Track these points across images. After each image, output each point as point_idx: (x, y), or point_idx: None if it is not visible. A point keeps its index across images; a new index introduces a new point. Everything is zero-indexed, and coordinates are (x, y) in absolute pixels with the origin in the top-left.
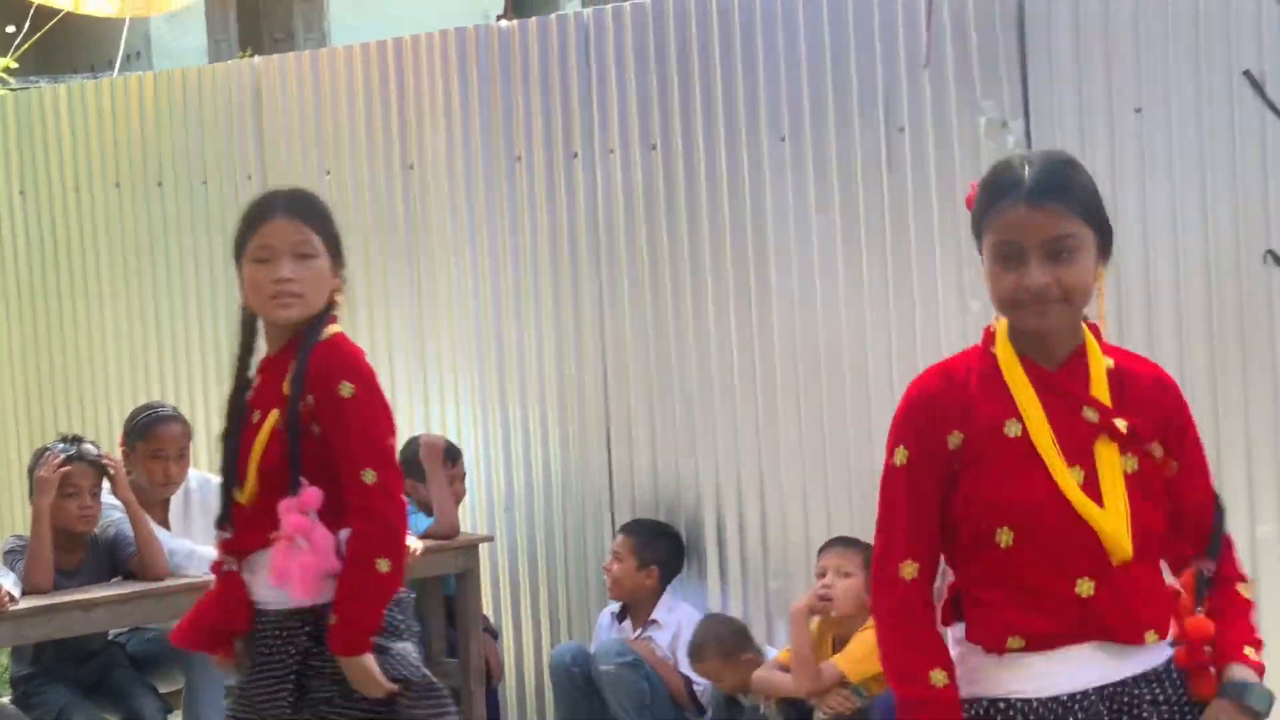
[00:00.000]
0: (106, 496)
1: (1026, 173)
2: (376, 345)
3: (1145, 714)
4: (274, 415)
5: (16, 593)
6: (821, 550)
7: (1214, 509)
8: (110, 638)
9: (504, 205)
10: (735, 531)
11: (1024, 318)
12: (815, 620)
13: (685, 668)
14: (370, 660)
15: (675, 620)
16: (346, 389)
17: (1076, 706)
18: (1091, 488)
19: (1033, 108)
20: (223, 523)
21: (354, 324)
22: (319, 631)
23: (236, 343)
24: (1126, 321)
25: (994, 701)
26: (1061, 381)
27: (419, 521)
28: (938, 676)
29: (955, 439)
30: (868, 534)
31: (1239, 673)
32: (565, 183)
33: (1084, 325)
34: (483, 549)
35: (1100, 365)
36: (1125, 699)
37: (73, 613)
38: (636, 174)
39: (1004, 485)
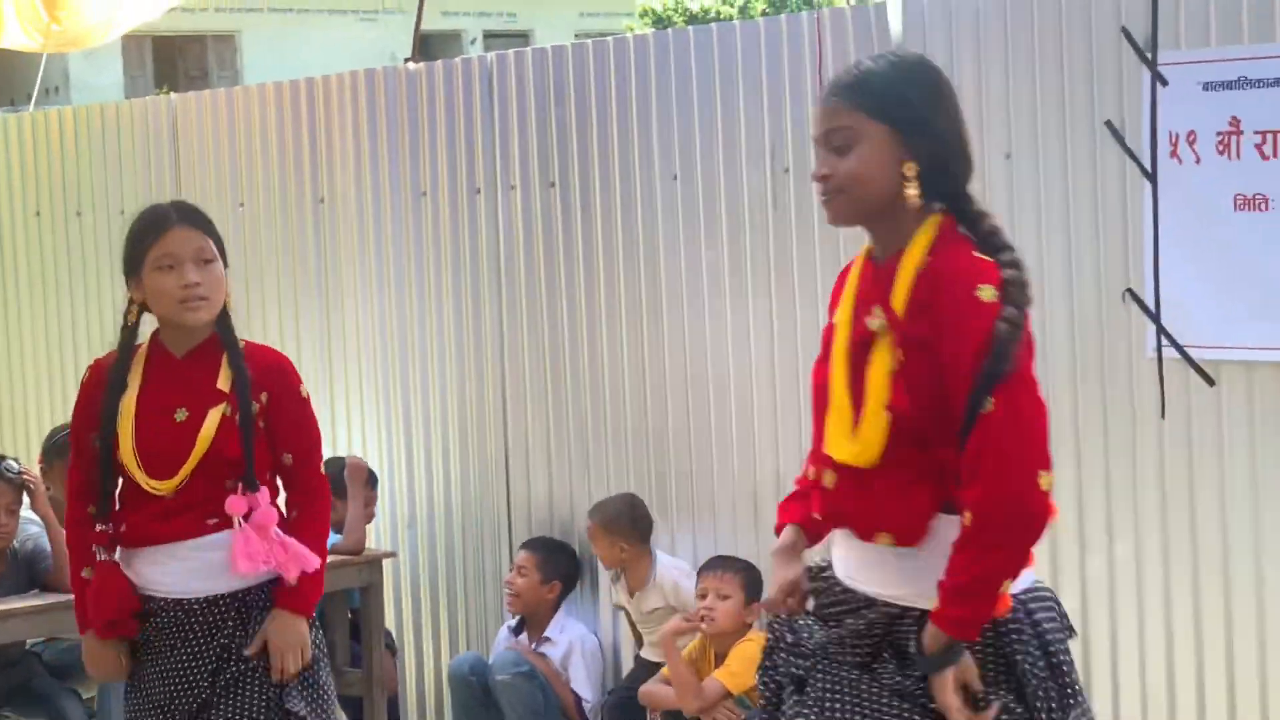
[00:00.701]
0: (26, 512)
1: (836, 76)
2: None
3: (908, 635)
4: (220, 410)
5: None
6: (701, 571)
7: (966, 407)
8: (27, 647)
9: (410, 238)
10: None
11: (823, 206)
12: (697, 637)
13: (577, 684)
14: (305, 629)
15: (567, 639)
16: (305, 389)
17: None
18: (857, 385)
19: None
20: (103, 516)
21: (283, 341)
22: (244, 616)
23: (117, 347)
24: None
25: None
26: (874, 274)
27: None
28: (809, 470)
29: (830, 319)
30: (748, 552)
31: (929, 625)
32: (468, 218)
33: (932, 220)
34: (386, 564)
35: (913, 264)
36: (903, 617)
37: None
38: (536, 210)
39: (820, 367)
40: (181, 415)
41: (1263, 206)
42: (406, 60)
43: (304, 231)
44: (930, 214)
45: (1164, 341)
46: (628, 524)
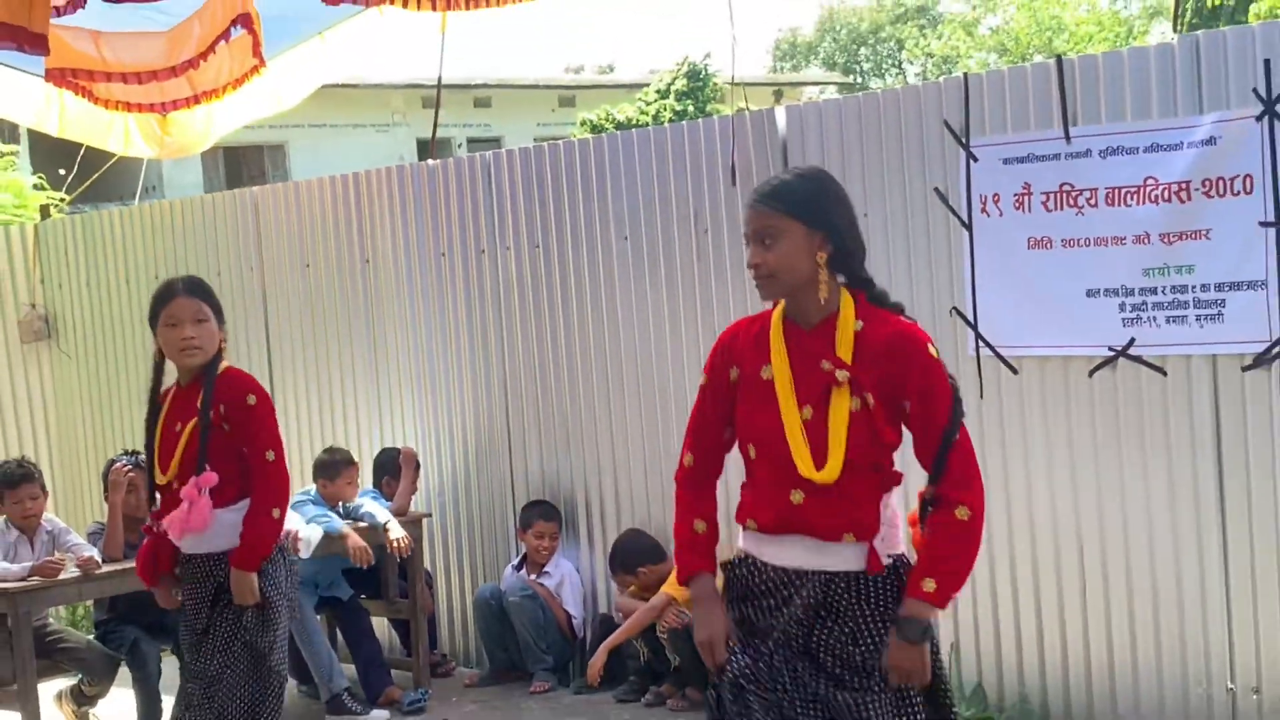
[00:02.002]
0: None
1: (761, 184)
2: (345, 385)
3: (842, 604)
4: (192, 423)
5: (99, 559)
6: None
7: (941, 439)
8: None
9: (434, 286)
10: (597, 509)
11: (758, 289)
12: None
13: (568, 604)
14: (253, 578)
15: (560, 573)
16: (251, 399)
17: (789, 574)
18: (819, 422)
19: None
20: (151, 501)
21: (327, 371)
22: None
23: (150, 379)
24: None
25: (748, 555)
26: (808, 340)
27: (383, 505)
28: (699, 525)
29: (734, 374)
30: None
31: (906, 608)
32: (476, 271)
33: (846, 294)
34: (425, 522)
35: (849, 328)
36: (831, 586)
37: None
38: (525, 263)
39: (754, 413)
40: (178, 428)
41: (1048, 246)
42: (425, 159)
43: (355, 284)
44: (841, 288)
45: (980, 344)
46: (650, 551)
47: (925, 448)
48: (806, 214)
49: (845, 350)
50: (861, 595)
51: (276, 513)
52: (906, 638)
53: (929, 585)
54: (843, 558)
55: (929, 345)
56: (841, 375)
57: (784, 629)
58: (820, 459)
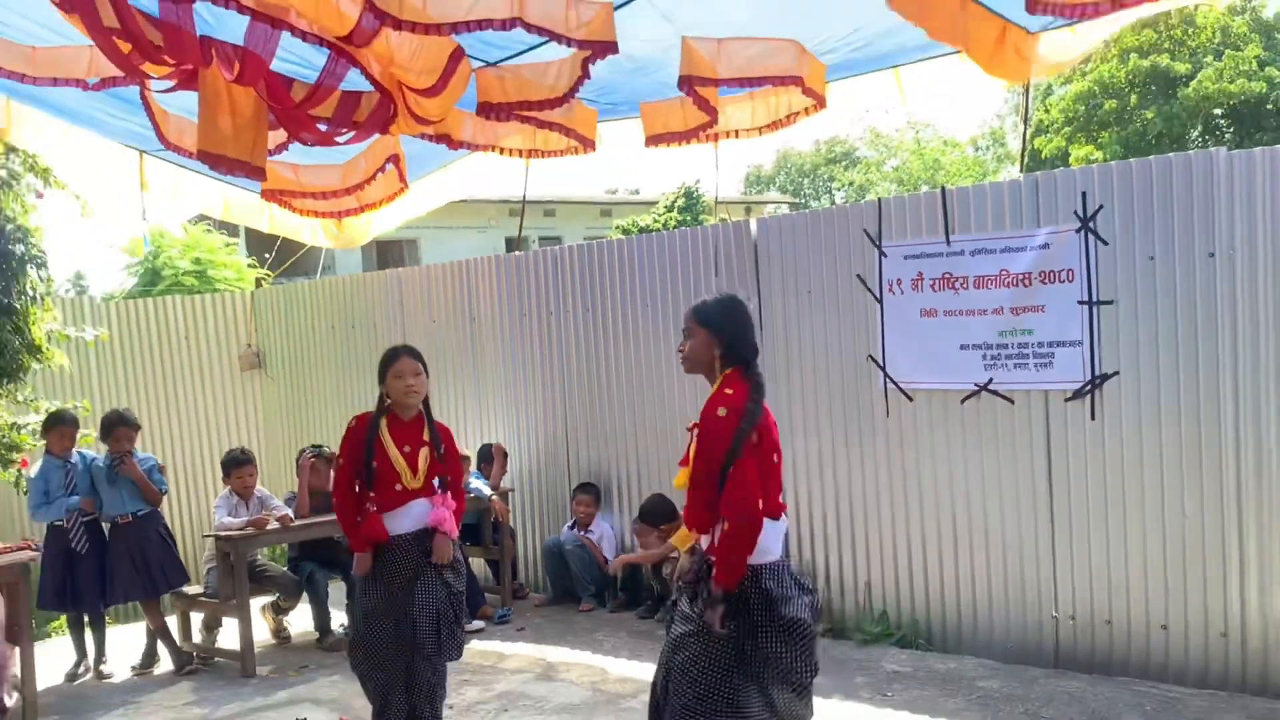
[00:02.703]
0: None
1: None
2: (456, 402)
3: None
4: (426, 449)
5: (292, 517)
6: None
7: (725, 485)
8: (335, 539)
9: (518, 337)
10: (624, 488)
11: (681, 365)
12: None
13: (606, 552)
14: (451, 545)
15: (600, 530)
16: (457, 445)
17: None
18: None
19: (762, 288)
20: (352, 487)
21: (446, 393)
22: (428, 544)
23: (374, 411)
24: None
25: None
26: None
27: (483, 483)
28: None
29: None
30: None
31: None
32: (548, 327)
33: (726, 373)
34: (510, 495)
35: (716, 394)
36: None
37: (316, 527)
38: (579, 322)
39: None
40: (407, 450)
41: (934, 314)
42: (511, 251)
43: (464, 334)
44: (726, 369)
45: (888, 380)
46: (670, 513)
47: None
48: (708, 322)
49: (712, 407)
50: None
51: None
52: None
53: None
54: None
55: (718, 409)
56: (693, 426)
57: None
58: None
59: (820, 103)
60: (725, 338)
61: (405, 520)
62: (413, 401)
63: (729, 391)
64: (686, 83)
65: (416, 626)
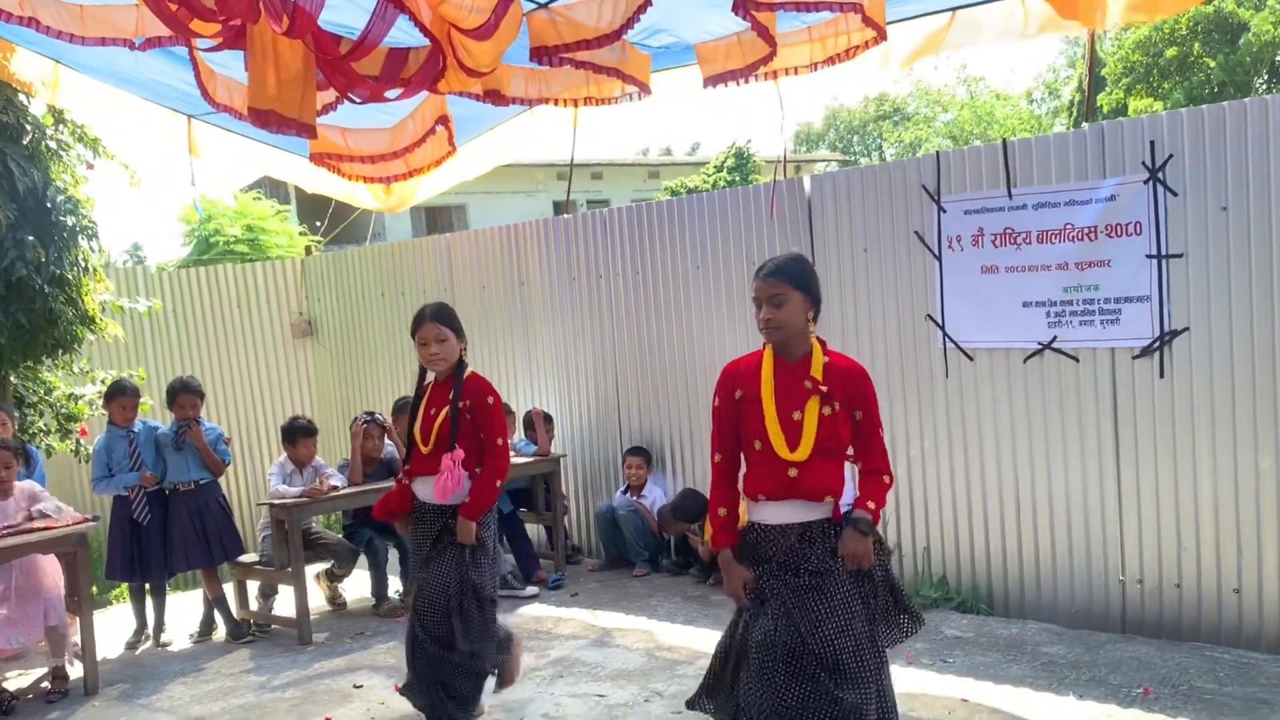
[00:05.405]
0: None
1: (767, 264)
2: (507, 367)
3: (818, 536)
4: (445, 410)
5: (342, 484)
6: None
7: (876, 441)
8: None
9: (567, 301)
10: (676, 452)
11: (765, 336)
12: None
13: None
14: (474, 525)
15: (652, 495)
16: (490, 399)
17: (785, 530)
18: (799, 423)
19: (816, 247)
20: (405, 461)
21: (495, 357)
22: (452, 517)
23: (416, 377)
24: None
25: (753, 523)
26: (792, 368)
27: (528, 449)
28: (722, 510)
29: (739, 394)
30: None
31: (855, 512)
32: (597, 289)
33: (814, 339)
34: (562, 460)
35: (820, 360)
36: (811, 530)
37: (369, 494)
38: (629, 285)
39: (753, 419)
40: (433, 412)
41: (995, 271)
42: (561, 214)
43: (514, 299)
44: (812, 335)
45: (947, 340)
46: (703, 509)
47: (863, 440)
48: (802, 285)
49: (818, 374)
50: (825, 533)
51: (499, 483)
52: (857, 529)
53: (870, 504)
54: (819, 511)
55: (867, 374)
56: (822, 388)
57: (778, 558)
58: (794, 446)
59: (881, 34)
60: (817, 298)
61: (424, 489)
62: (438, 369)
63: (831, 356)
64: (742, 7)
65: (415, 607)
